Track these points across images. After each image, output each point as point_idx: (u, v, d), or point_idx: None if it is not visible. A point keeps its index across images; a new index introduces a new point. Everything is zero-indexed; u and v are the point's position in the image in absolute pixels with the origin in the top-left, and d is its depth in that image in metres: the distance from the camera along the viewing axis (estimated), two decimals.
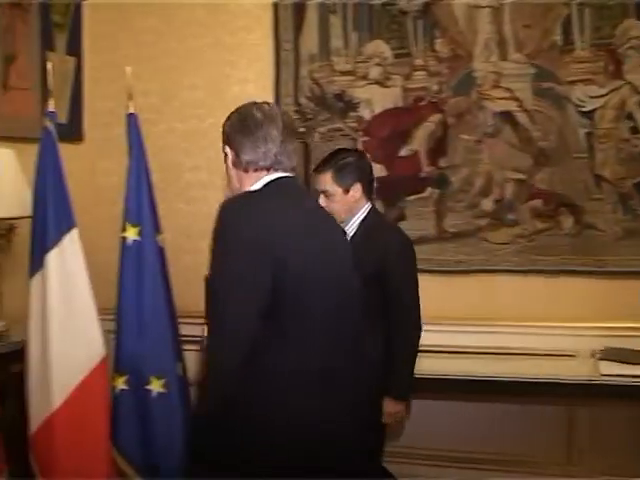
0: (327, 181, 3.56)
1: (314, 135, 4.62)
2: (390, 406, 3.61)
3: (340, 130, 4.58)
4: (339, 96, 4.57)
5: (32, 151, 3.97)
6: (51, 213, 3.79)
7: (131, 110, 4.16)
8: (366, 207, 3.66)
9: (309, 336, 2.50)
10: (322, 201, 3.48)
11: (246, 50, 4.80)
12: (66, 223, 3.82)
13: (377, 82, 4.49)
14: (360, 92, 4.53)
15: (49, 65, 4.15)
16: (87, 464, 3.75)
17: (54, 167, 3.84)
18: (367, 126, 4.53)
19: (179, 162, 5.00)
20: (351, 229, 3.58)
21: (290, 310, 2.47)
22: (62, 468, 3.71)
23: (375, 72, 4.50)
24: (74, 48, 5.08)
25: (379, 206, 4.40)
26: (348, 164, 3.58)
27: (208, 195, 4.90)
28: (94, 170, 5.13)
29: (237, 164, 2.68)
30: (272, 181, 2.63)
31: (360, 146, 4.49)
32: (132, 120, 4.17)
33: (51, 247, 3.76)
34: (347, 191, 3.56)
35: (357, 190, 3.59)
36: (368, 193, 3.68)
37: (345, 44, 4.54)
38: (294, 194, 2.69)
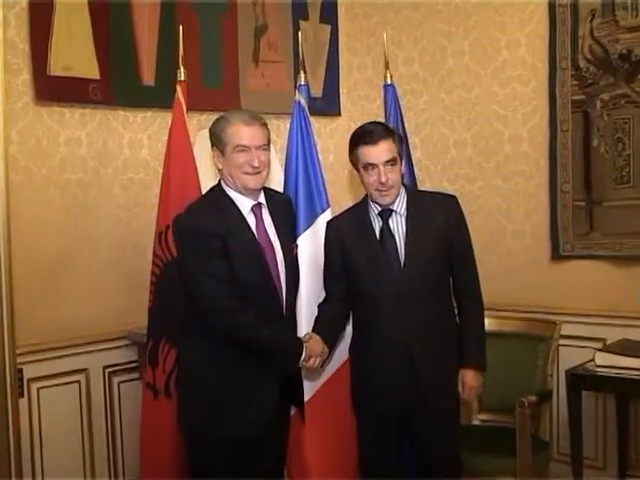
0: (393, 149, 3.26)
1: (596, 103, 4.19)
2: (476, 379, 3.37)
3: (626, 96, 4.10)
4: (625, 56, 4.09)
5: (285, 127, 4.01)
6: (303, 196, 3.69)
7: (388, 81, 4.05)
8: None
9: None
10: (383, 174, 3.21)
11: (517, 9, 4.45)
12: (320, 205, 3.71)
13: None
14: None
15: (300, 35, 4.08)
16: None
17: (306, 145, 3.73)
18: None
19: (443, 136, 4.76)
20: (403, 202, 3.32)
21: None
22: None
23: None
24: (329, 15, 5.00)
25: None
26: (397, 131, 3.42)
27: (473, 174, 4.66)
28: None
29: None
30: None
31: None
32: (390, 92, 4.05)
33: (304, 230, 3.65)
34: (401, 160, 3.33)
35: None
36: None
37: None
38: None
